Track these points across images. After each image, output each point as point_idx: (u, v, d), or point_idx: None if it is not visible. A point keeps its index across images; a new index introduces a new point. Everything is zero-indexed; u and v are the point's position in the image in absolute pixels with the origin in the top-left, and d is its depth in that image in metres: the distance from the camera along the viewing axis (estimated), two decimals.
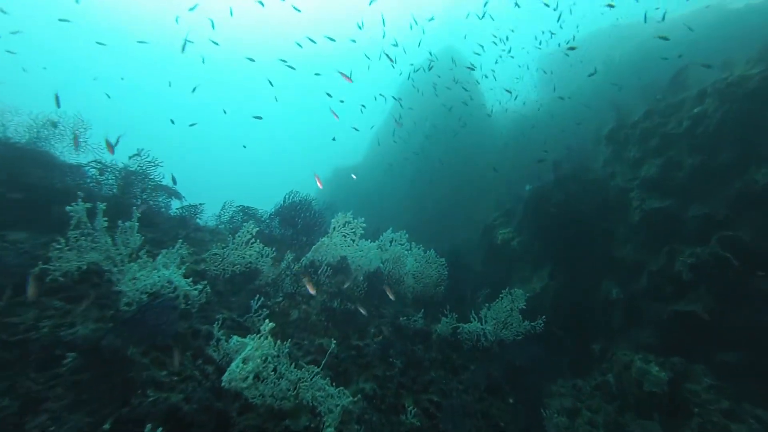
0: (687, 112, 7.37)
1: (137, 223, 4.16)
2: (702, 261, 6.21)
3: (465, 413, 4.70)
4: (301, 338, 5.20)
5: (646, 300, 7.45)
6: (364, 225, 6.57)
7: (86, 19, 45.35)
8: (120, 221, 4.05)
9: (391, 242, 7.15)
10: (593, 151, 11.50)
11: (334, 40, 13.42)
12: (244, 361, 2.60)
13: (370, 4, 17.91)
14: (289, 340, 4.71)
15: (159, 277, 3.72)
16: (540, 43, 16.76)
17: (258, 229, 5.68)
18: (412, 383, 4.90)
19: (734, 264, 5.78)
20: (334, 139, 16.69)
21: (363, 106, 14.42)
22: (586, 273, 8.89)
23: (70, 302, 3.33)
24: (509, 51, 16.39)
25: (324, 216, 8.26)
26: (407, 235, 7.28)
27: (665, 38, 7.91)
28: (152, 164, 6.13)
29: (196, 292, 4.40)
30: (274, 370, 3.53)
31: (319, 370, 3.60)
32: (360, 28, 16.81)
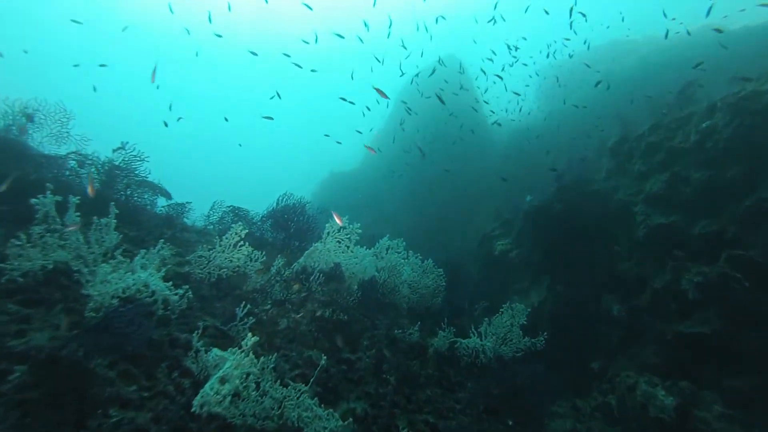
0: (695, 126, 7.19)
1: (115, 220, 3.83)
2: (710, 280, 5.97)
3: None
4: (289, 349, 4.86)
5: (648, 318, 7.19)
6: (360, 231, 6.27)
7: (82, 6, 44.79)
8: (96, 217, 3.72)
9: (387, 250, 6.85)
10: (595, 163, 11.34)
11: (342, 37, 13.15)
12: (221, 381, 2.28)
13: (374, 5, 17.74)
14: (276, 352, 4.37)
15: (134, 279, 3.38)
16: (548, 55, 16.69)
17: (248, 231, 5.35)
18: (406, 402, 4.57)
19: (745, 285, 5.55)
20: (339, 142, 16.36)
21: (367, 108, 14.17)
22: (586, 287, 8.64)
23: (29, 306, 2.98)
24: (512, 63, 16.28)
25: (318, 220, 7.95)
26: (404, 243, 6.99)
27: (719, 30, 7.88)
28: (137, 158, 5.79)
29: (176, 297, 4.06)
30: (257, 386, 3.20)
31: (306, 388, 3.27)
32: (366, 26, 16.54)
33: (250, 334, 2.52)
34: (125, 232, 5.22)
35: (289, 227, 7.52)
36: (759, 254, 5.60)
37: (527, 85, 14.91)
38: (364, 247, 6.62)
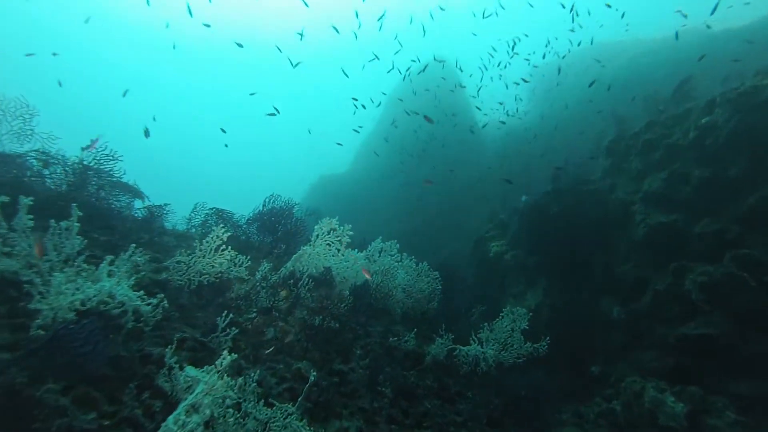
0: (693, 123, 7.03)
1: (78, 224, 3.42)
2: (715, 281, 5.77)
3: None
4: (276, 361, 4.49)
5: (649, 320, 6.98)
6: (351, 233, 5.92)
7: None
8: (53, 221, 3.30)
9: (380, 253, 6.52)
10: (590, 163, 11.20)
11: (338, 32, 12.77)
12: (189, 410, 1.92)
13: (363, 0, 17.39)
14: (262, 365, 4.00)
15: (96, 290, 2.98)
16: (543, 56, 16.59)
17: (231, 233, 4.96)
18: (403, 417, 4.23)
19: (751, 285, 5.35)
20: (340, 144, 15.95)
21: (363, 107, 13.85)
22: (584, 289, 8.43)
23: None
24: (505, 65, 16.13)
25: (307, 223, 7.57)
26: (398, 246, 6.66)
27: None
28: (110, 157, 5.35)
29: (148, 308, 3.66)
30: (238, 407, 2.84)
31: (294, 409, 2.90)
32: (357, 15, 16.18)
33: (226, 352, 2.17)
34: (95, 236, 4.80)
35: (276, 230, 7.13)
36: (764, 253, 5.41)
37: (517, 83, 14.71)
38: (356, 250, 6.27)
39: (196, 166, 68.08)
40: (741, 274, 5.47)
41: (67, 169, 5.01)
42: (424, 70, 15.79)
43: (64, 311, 2.71)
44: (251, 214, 7.31)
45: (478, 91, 16.17)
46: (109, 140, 5.25)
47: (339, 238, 5.71)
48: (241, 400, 2.89)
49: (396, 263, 6.49)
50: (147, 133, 7.70)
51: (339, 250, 5.82)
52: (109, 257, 3.49)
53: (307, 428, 2.99)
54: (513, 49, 14.87)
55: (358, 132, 14.61)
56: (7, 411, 2.01)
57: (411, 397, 4.55)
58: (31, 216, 2.98)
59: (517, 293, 9.75)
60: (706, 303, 5.84)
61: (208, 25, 13.47)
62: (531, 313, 8.10)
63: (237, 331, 4.25)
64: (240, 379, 2.32)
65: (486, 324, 5.56)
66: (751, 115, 6.09)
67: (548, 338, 5.98)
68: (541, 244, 9.45)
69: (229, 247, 4.97)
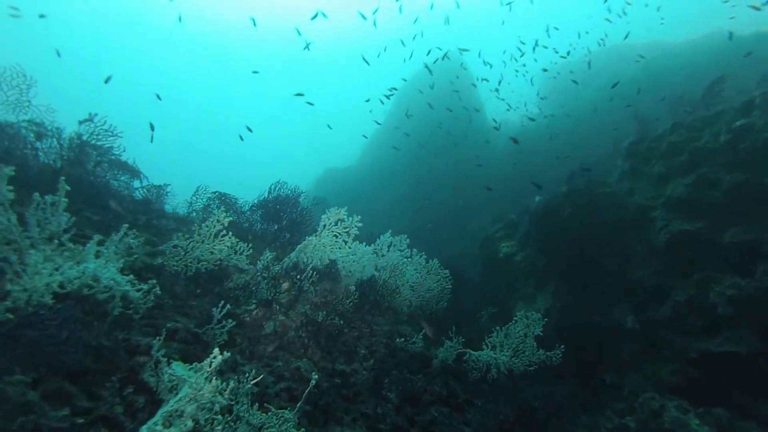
0: (726, 125, 6.63)
1: (66, 199, 3.11)
2: (746, 295, 5.40)
3: None
4: (275, 358, 4.19)
5: (668, 331, 6.63)
6: (360, 224, 5.59)
7: None
8: (37, 194, 3.00)
9: (389, 247, 6.19)
10: (606, 164, 10.80)
11: (365, 18, 12.39)
12: (167, 420, 1.61)
13: None
14: (258, 362, 3.70)
15: (78, 271, 2.69)
16: (568, 53, 16.11)
17: (232, 219, 4.65)
18: (409, 425, 3.91)
19: None
20: (365, 137, 15.63)
21: (380, 101, 13.46)
22: (597, 295, 8.06)
23: None
24: (517, 69, 15.68)
25: (313, 212, 7.25)
26: (408, 241, 6.33)
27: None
28: (108, 133, 5.05)
29: (139, 294, 3.36)
30: (229, 411, 2.54)
31: (291, 416, 2.60)
32: (363, 18, 15.84)
33: (217, 350, 1.86)
34: (88, 215, 4.51)
35: (281, 218, 6.83)
36: None
37: (532, 83, 14.29)
38: (363, 243, 5.95)
39: (196, 159, 68.28)
40: None
41: (62, 143, 4.72)
42: (435, 61, 15.38)
43: (40, 294, 2.42)
44: (255, 201, 7.01)
45: (498, 84, 15.70)
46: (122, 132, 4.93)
47: (347, 230, 5.37)
48: (233, 403, 2.58)
49: (405, 259, 6.17)
50: (152, 127, 7.82)
51: (346, 242, 5.49)
52: (97, 237, 3.19)
53: None
54: (534, 49, 14.45)
55: (379, 124, 14.23)
56: None
57: (417, 403, 4.24)
58: (11, 187, 2.68)
59: (527, 295, 9.40)
60: (733, 318, 5.48)
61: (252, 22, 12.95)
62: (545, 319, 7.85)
63: (234, 323, 3.94)
64: (232, 383, 2.01)
65: (499, 328, 5.22)
66: None
67: (557, 343, 5.65)
68: (553, 246, 9.08)
69: (230, 234, 4.67)
